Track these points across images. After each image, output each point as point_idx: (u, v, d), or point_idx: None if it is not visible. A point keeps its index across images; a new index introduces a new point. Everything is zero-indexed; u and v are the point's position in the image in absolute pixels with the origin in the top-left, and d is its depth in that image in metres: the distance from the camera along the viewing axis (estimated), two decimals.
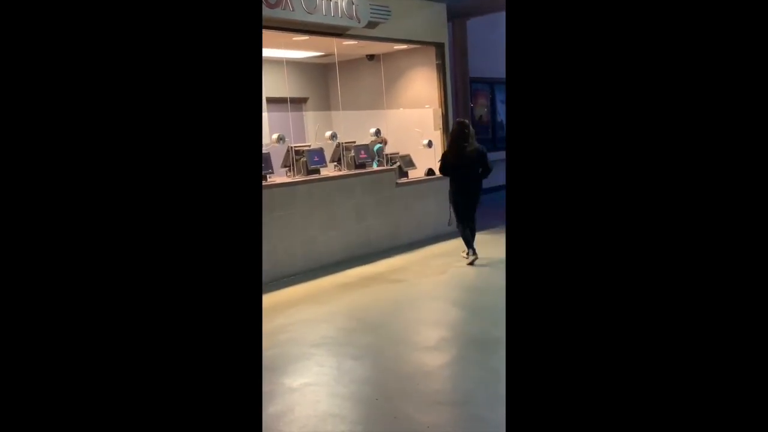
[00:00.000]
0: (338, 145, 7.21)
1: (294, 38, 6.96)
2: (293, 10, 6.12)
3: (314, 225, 6.50)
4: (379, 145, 7.63)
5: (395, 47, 8.48)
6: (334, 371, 3.66)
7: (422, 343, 4.19)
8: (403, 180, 7.67)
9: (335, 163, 7.23)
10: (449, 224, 6.47)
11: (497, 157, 11.68)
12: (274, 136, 6.64)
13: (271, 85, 7.78)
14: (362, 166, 7.21)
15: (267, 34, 6.25)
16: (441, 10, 8.37)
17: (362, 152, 7.23)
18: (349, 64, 9.00)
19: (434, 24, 8.29)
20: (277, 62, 7.91)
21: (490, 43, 11.05)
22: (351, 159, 7.15)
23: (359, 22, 6.86)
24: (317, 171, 6.72)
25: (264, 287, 5.65)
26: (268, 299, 5.37)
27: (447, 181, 6.38)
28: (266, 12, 5.80)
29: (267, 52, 7.44)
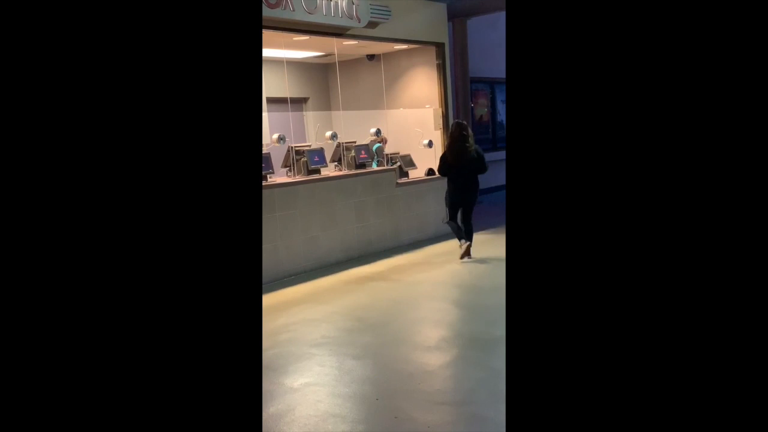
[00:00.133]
0: (338, 145, 7.22)
1: (294, 38, 6.96)
2: (294, 11, 6.12)
3: (315, 225, 6.50)
4: (378, 145, 7.64)
5: (395, 47, 8.48)
6: (334, 371, 3.66)
7: (423, 342, 4.19)
8: (404, 180, 7.67)
9: (336, 163, 7.24)
10: (443, 221, 6.57)
11: (497, 157, 11.74)
12: (275, 136, 6.64)
13: (272, 85, 7.78)
14: (363, 166, 7.22)
15: (267, 34, 6.26)
16: (441, 9, 8.37)
17: (363, 152, 7.23)
18: (350, 64, 9.00)
19: (434, 24, 8.29)
20: (277, 62, 7.91)
21: (490, 43, 11.05)
22: (351, 159, 7.15)
23: (359, 22, 6.86)
24: (318, 171, 6.73)
25: (264, 287, 5.66)
26: (269, 299, 5.38)
27: (446, 181, 6.44)
28: (267, 12, 5.80)
29: (267, 52, 7.44)
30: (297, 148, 6.75)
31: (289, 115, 8.09)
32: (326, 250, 6.62)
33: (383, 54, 8.88)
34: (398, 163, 7.65)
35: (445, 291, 5.56)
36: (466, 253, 6.30)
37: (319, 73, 9.47)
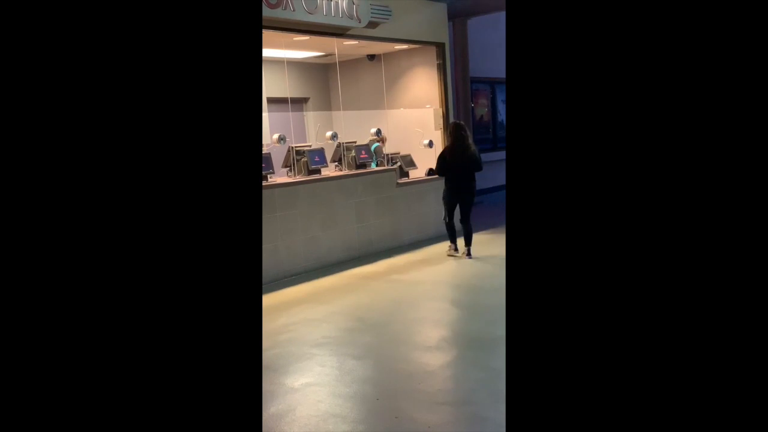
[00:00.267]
0: (339, 145, 7.22)
1: (295, 38, 6.96)
2: (294, 11, 6.12)
3: (315, 225, 6.50)
4: (376, 144, 7.64)
5: (396, 47, 8.48)
6: (335, 371, 3.66)
7: (423, 342, 4.19)
8: (404, 180, 7.67)
9: (336, 163, 7.24)
10: (443, 220, 6.66)
11: (497, 157, 11.74)
12: (275, 136, 6.65)
13: (272, 85, 7.78)
14: (363, 166, 7.22)
15: (268, 35, 6.26)
16: (442, 9, 8.37)
17: (363, 152, 7.24)
18: (350, 64, 9.00)
19: (435, 24, 8.29)
20: (277, 62, 7.91)
21: (490, 43, 11.06)
22: (352, 159, 7.16)
23: (360, 22, 6.86)
24: (318, 171, 6.73)
25: (265, 287, 5.66)
26: (270, 299, 5.38)
27: (444, 180, 6.54)
28: (267, 12, 5.81)
29: (268, 53, 7.45)
30: (297, 148, 6.76)
31: (289, 115, 8.10)
32: (327, 250, 6.62)
33: (384, 54, 8.88)
34: (398, 163, 7.65)
35: (445, 291, 5.57)
36: (464, 254, 6.39)
37: (320, 73, 9.48)
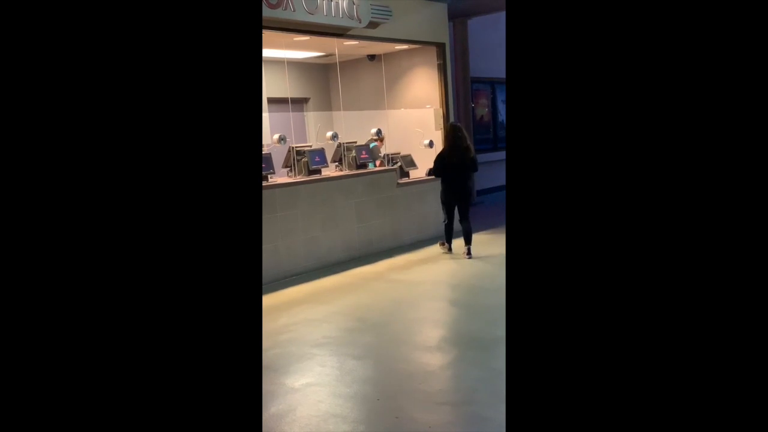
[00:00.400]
0: (339, 146, 7.22)
1: (295, 38, 6.97)
2: (294, 11, 6.12)
3: (316, 225, 6.50)
4: (373, 144, 7.64)
5: (396, 47, 8.49)
6: (335, 371, 3.66)
7: (423, 342, 4.19)
8: (404, 180, 7.67)
9: (336, 164, 7.24)
10: (443, 222, 6.75)
11: (498, 157, 11.73)
12: (276, 136, 6.65)
13: (273, 85, 7.78)
14: (363, 166, 7.22)
15: (268, 35, 6.27)
16: (442, 10, 8.37)
17: (363, 152, 7.24)
18: (350, 65, 9.00)
19: (435, 24, 8.29)
20: (278, 62, 7.91)
21: (491, 43, 11.06)
22: (352, 159, 7.16)
23: (360, 23, 6.87)
24: (318, 171, 6.73)
25: (265, 287, 5.66)
26: (270, 299, 5.38)
27: (440, 181, 6.65)
28: (267, 12, 5.81)
29: (268, 53, 7.45)
30: (298, 149, 6.76)
31: (289, 116, 8.10)
32: (327, 250, 6.62)
33: (384, 54, 8.88)
34: (399, 163, 7.65)
35: (445, 291, 5.57)
36: (465, 254, 6.45)
37: (320, 73, 9.48)
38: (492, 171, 11.48)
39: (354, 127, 8.17)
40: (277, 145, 6.62)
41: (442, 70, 8.48)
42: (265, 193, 5.78)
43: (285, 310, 5.04)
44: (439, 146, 8.07)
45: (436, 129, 8.47)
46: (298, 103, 9.11)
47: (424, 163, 7.99)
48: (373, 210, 7.16)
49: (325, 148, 6.99)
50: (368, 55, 9.04)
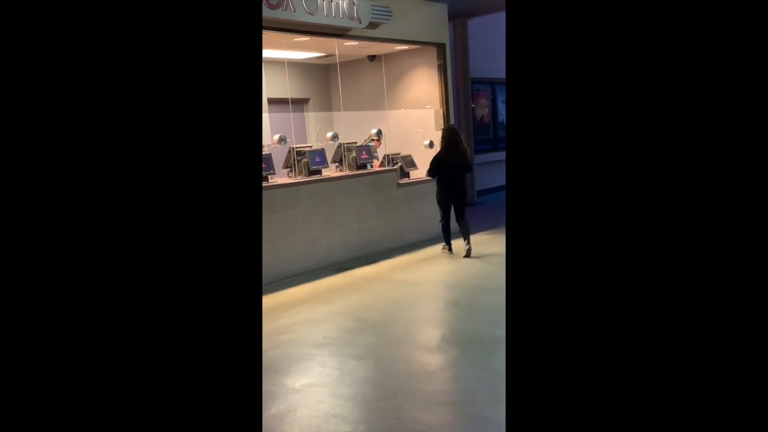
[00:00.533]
0: (339, 146, 7.22)
1: (295, 39, 6.97)
2: (294, 11, 6.12)
3: (316, 225, 6.51)
4: (370, 144, 7.64)
5: (396, 48, 8.49)
6: (336, 371, 3.67)
7: (424, 343, 4.19)
8: (405, 180, 7.67)
9: (337, 164, 7.24)
10: (440, 221, 6.82)
11: (498, 157, 11.72)
12: (276, 137, 6.65)
13: (273, 85, 7.78)
14: (364, 166, 7.22)
15: (268, 35, 6.27)
16: (442, 10, 8.37)
17: (363, 153, 7.24)
18: (351, 65, 9.00)
19: (435, 24, 8.29)
20: (278, 63, 7.91)
21: (491, 44, 11.06)
22: (352, 160, 7.16)
23: (360, 23, 6.87)
24: (319, 172, 6.73)
25: (266, 288, 5.66)
26: (270, 300, 5.38)
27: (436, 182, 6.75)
28: (267, 13, 5.81)
29: (268, 53, 7.45)
30: (298, 149, 6.76)
31: (290, 116, 8.10)
32: (327, 251, 6.62)
33: (384, 54, 8.88)
34: (399, 164, 7.65)
35: (446, 291, 5.57)
36: (464, 254, 6.51)
37: (320, 73, 9.48)
38: (492, 171, 11.49)
39: (354, 127, 8.17)
40: (278, 145, 6.62)
41: (442, 70, 8.48)
42: (265, 193, 5.78)
43: (285, 310, 5.04)
44: (439, 147, 8.09)
45: (437, 129, 8.46)
46: (299, 103, 9.11)
47: (424, 164, 7.97)
48: (374, 210, 7.16)
49: (325, 149, 6.99)
50: (368, 56, 9.04)
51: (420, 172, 7.97)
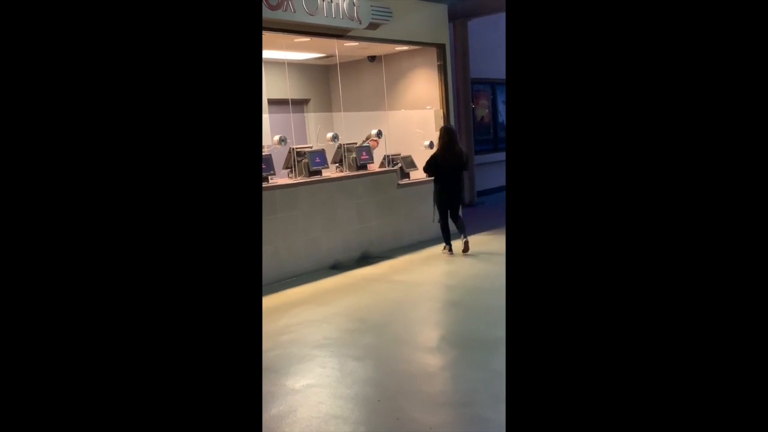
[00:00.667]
0: (340, 147, 7.23)
1: (295, 40, 6.97)
2: (294, 12, 6.12)
3: (316, 226, 6.51)
4: (367, 144, 7.63)
5: (396, 48, 8.48)
6: (336, 372, 3.66)
7: (424, 343, 4.19)
8: (405, 181, 7.67)
9: (337, 165, 7.25)
10: (433, 221, 6.90)
11: (499, 158, 11.71)
12: (276, 137, 6.65)
13: (273, 86, 7.79)
14: (364, 167, 7.22)
15: (268, 36, 6.27)
16: (442, 11, 8.37)
17: (364, 153, 7.24)
18: (351, 66, 9.00)
19: (435, 25, 8.29)
20: (278, 64, 7.92)
21: (491, 44, 11.06)
22: (353, 160, 7.16)
23: (360, 24, 6.87)
24: (319, 172, 6.74)
25: (266, 288, 5.66)
26: (271, 300, 5.38)
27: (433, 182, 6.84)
28: (268, 14, 5.81)
29: (268, 54, 7.45)
30: (298, 150, 6.76)
31: (290, 117, 8.10)
32: (328, 251, 6.62)
33: (384, 55, 8.88)
34: (399, 164, 7.65)
35: (446, 292, 5.57)
36: (462, 251, 6.63)
37: (320, 74, 9.48)
38: (492, 172, 11.49)
39: (354, 128, 8.17)
40: (278, 146, 6.62)
41: (442, 71, 8.48)
42: (265, 194, 5.78)
43: (285, 311, 5.04)
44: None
45: (437, 130, 8.46)
46: (299, 104, 9.11)
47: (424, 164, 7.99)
48: (374, 211, 7.17)
49: (325, 150, 6.99)
50: (368, 57, 9.04)
51: (420, 173, 7.97)
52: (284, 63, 7.96)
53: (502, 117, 12.24)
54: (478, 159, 10.98)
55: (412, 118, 8.66)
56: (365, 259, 6.87)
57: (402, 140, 8.31)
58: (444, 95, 8.49)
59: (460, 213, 7.02)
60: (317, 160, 6.73)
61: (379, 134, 7.64)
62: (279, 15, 5.99)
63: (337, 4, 6.58)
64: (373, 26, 7.09)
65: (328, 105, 9.46)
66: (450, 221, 6.83)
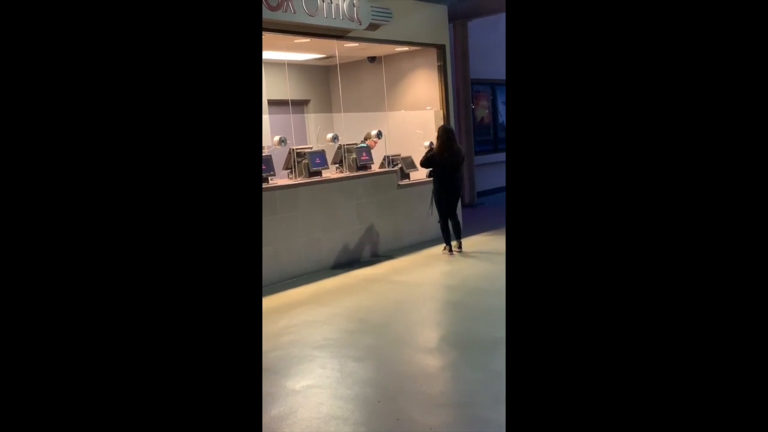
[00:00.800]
0: (340, 147, 7.23)
1: (295, 40, 6.97)
2: (294, 13, 6.12)
3: (316, 227, 6.51)
4: (364, 144, 7.63)
5: (396, 49, 8.49)
6: (336, 373, 3.66)
7: (424, 344, 4.19)
8: (405, 181, 7.67)
9: (337, 165, 7.25)
10: (429, 215, 7.00)
11: (498, 158, 11.71)
12: (276, 138, 6.65)
13: (273, 87, 7.79)
14: (364, 167, 7.22)
15: (268, 37, 6.27)
16: (442, 11, 8.37)
17: (364, 154, 7.24)
18: (351, 66, 9.00)
19: (435, 26, 8.29)
20: (278, 64, 7.92)
21: (491, 45, 11.06)
22: (353, 161, 7.16)
23: (360, 24, 6.87)
24: (319, 173, 6.74)
25: (266, 289, 5.66)
26: (271, 301, 5.38)
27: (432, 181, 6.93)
28: (268, 14, 5.81)
29: (269, 55, 7.45)
30: (298, 150, 6.76)
31: (290, 117, 8.10)
32: (328, 252, 6.62)
33: (384, 56, 8.88)
34: (399, 165, 7.65)
35: (446, 292, 5.57)
36: (456, 248, 6.81)
37: (320, 75, 9.49)
38: (492, 172, 11.49)
39: (354, 128, 8.17)
40: (278, 147, 6.62)
41: (442, 71, 8.48)
42: (265, 194, 5.78)
43: (285, 311, 5.04)
44: None
45: (437, 131, 8.46)
46: (299, 105, 9.11)
47: None
48: (374, 211, 7.17)
49: (325, 150, 6.99)
50: (368, 57, 9.04)
51: (420, 174, 7.97)
52: (284, 64, 7.97)
53: (502, 118, 12.24)
54: (478, 159, 10.98)
55: (412, 119, 8.67)
56: (365, 259, 6.87)
57: (402, 141, 8.31)
58: (444, 96, 8.49)
59: (460, 218, 7.00)
60: (317, 160, 6.73)
61: (379, 135, 7.64)
62: (279, 16, 5.99)
63: (337, 5, 6.58)
64: (373, 27, 7.09)
65: (328, 106, 9.46)
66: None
